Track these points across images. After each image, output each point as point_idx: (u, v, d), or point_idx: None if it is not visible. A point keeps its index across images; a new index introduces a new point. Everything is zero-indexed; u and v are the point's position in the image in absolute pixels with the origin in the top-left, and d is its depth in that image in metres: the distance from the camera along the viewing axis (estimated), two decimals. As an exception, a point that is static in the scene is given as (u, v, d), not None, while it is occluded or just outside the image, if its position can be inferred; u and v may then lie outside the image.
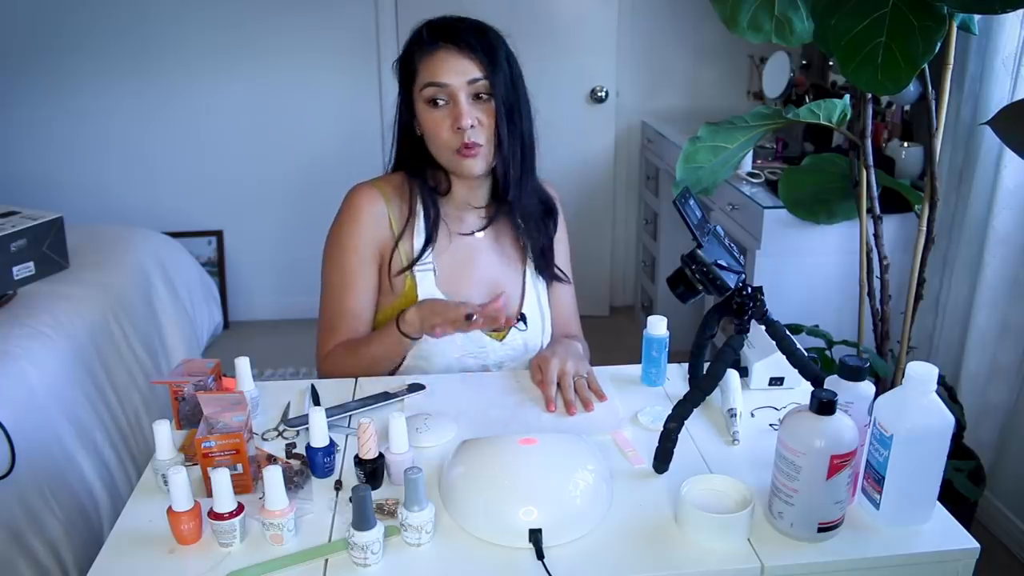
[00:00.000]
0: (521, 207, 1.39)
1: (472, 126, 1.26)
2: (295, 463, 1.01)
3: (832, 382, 0.94)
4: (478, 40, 1.27)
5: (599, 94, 3.32)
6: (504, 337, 1.39)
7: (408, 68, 1.31)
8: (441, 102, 1.27)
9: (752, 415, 1.17)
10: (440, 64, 1.26)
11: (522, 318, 1.40)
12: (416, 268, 1.35)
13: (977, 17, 1.63)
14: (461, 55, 1.26)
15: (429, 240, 1.35)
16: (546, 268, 1.46)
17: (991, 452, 2.10)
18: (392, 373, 1.37)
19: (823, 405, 0.86)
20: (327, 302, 1.37)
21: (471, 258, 1.40)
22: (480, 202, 1.40)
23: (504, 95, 1.28)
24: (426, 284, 1.35)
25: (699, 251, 1.00)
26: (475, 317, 1.19)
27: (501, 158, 1.31)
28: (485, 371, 1.38)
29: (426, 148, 1.33)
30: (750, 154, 2.39)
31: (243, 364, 1.15)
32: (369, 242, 1.34)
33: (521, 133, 1.32)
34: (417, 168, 1.36)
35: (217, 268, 3.43)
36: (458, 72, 1.25)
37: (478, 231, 1.41)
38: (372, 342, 1.33)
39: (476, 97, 1.27)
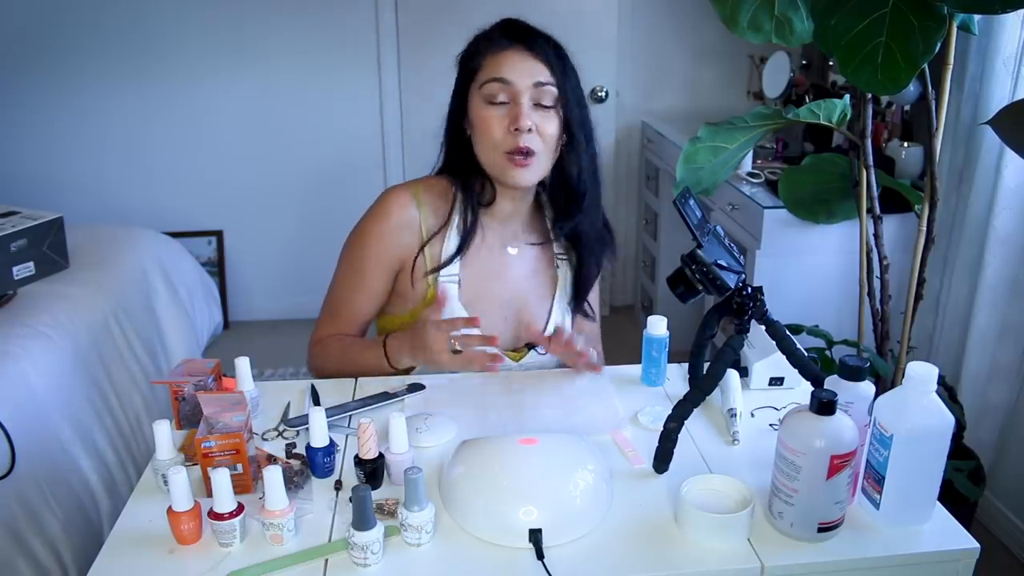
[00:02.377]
0: (580, 234, 1.33)
1: (530, 130, 1.20)
2: (295, 463, 1.01)
3: (832, 382, 0.94)
4: (551, 46, 1.23)
5: (599, 94, 3.32)
6: (522, 358, 1.36)
7: (470, 64, 1.25)
8: (501, 100, 1.21)
9: (752, 415, 1.17)
10: (507, 61, 1.21)
11: None
12: (441, 276, 1.30)
13: (977, 17, 1.63)
14: (532, 56, 1.21)
15: (461, 249, 1.30)
16: (578, 299, 1.40)
17: (991, 452, 2.10)
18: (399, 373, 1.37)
19: (823, 405, 0.85)
20: (333, 293, 1.36)
21: (500, 274, 1.35)
22: (524, 216, 1.35)
23: (572, 107, 1.23)
24: (448, 295, 1.31)
25: (699, 251, 1.00)
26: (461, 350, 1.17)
27: (564, 176, 1.27)
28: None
29: (473, 155, 1.27)
30: (750, 154, 2.39)
31: (243, 364, 1.15)
32: (390, 250, 1.30)
33: (583, 152, 1.26)
34: (463, 173, 1.30)
35: (217, 268, 3.43)
36: (526, 72, 1.20)
37: (514, 247, 1.36)
38: (360, 357, 1.30)
39: (538, 105, 1.22)
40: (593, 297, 1.46)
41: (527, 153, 1.21)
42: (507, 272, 1.36)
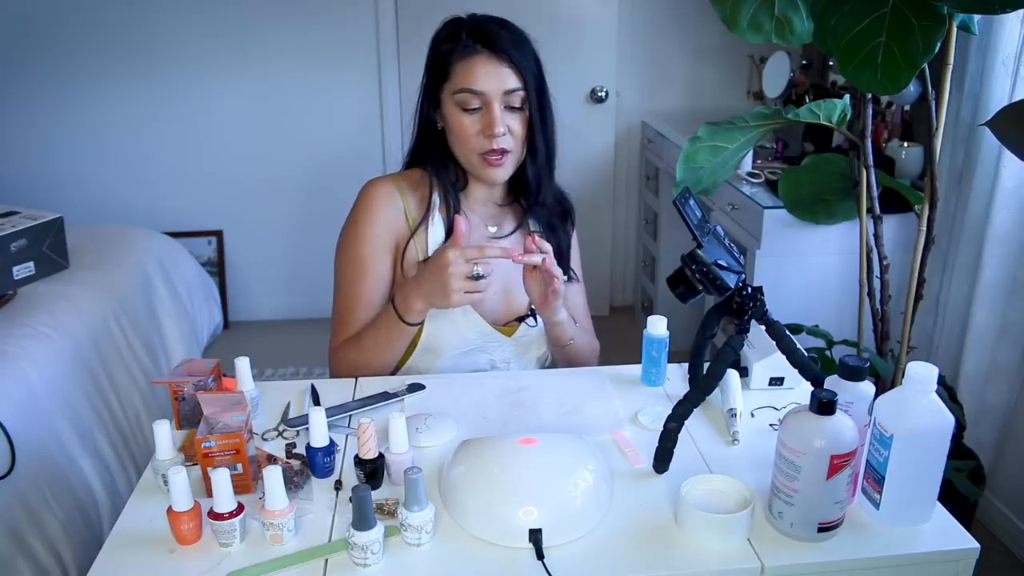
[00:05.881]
0: (543, 208, 1.40)
1: (503, 134, 1.26)
2: (295, 463, 1.01)
3: (832, 382, 0.94)
4: (517, 48, 1.27)
5: (599, 94, 3.32)
6: (513, 333, 1.39)
7: (440, 66, 1.29)
8: (474, 107, 1.26)
9: (752, 415, 1.17)
10: (478, 70, 1.25)
11: (532, 314, 1.40)
12: None
13: (977, 17, 1.63)
14: (500, 62, 1.25)
15: (449, 237, 1.34)
16: (561, 266, 1.43)
17: (991, 452, 2.10)
18: (398, 369, 1.37)
19: (823, 405, 0.86)
20: (341, 293, 1.36)
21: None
22: (498, 199, 1.40)
23: (536, 104, 1.29)
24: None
25: (699, 251, 1.00)
26: (481, 273, 1.18)
27: (534, 166, 1.32)
28: (492, 367, 1.38)
29: (446, 142, 1.33)
30: (750, 154, 2.39)
31: (243, 364, 1.15)
32: (384, 232, 1.34)
33: (546, 139, 1.33)
34: (438, 162, 1.35)
35: (217, 268, 3.43)
36: (496, 80, 1.25)
37: (506, 234, 1.40)
38: (372, 330, 1.31)
39: (509, 107, 1.27)
40: (574, 261, 1.51)
41: (501, 153, 1.28)
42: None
